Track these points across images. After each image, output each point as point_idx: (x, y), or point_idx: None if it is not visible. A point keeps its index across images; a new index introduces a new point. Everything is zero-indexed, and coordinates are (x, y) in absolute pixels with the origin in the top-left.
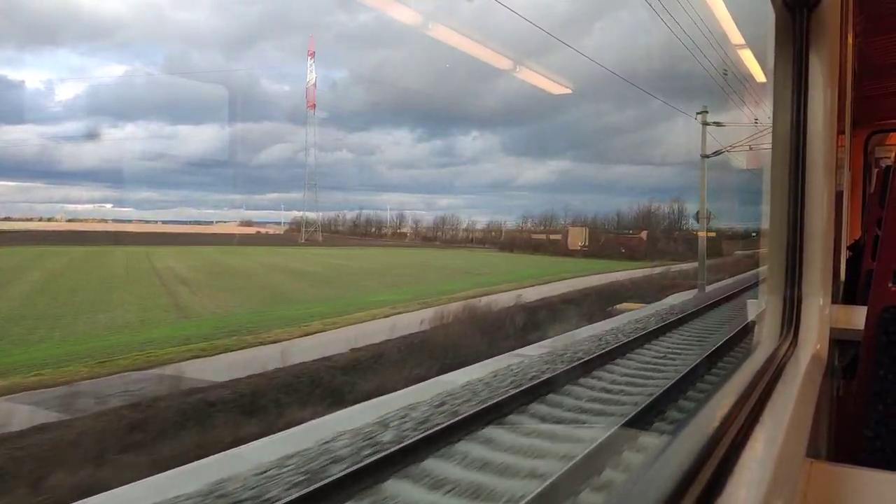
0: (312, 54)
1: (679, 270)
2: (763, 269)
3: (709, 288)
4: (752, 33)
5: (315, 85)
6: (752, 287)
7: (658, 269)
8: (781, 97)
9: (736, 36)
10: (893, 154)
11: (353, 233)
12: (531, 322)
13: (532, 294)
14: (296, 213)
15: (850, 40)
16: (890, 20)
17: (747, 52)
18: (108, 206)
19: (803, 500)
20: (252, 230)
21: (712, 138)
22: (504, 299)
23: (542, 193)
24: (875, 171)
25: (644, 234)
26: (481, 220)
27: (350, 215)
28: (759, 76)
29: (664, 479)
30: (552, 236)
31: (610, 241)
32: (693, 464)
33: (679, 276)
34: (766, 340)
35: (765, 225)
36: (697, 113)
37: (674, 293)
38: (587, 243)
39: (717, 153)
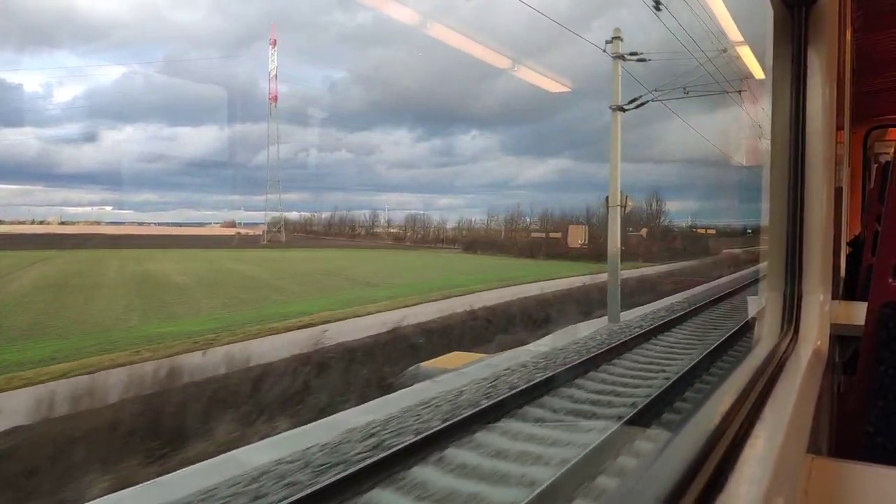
0: (274, 42)
1: (634, 277)
2: (733, 277)
3: (629, 315)
4: (751, 31)
5: (276, 76)
6: (704, 308)
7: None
8: (780, 94)
9: (735, 33)
10: (893, 149)
11: (329, 233)
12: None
13: (381, 322)
14: (275, 214)
15: (848, 36)
16: (888, 16)
17: (746, 49)
18: (109, 208)
19: (804, 496)
20: (233, 231)
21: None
22: (310, 336)
23: (526, 192)
24: (874, 166)
25: (644, 232)
26: (452, 219)
27: (325, 215)
28: (758, 73)
29: (666, 477)
30: (553, 234)
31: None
32: (694, 461)
33: (623, 287)
34: (766, 337)
35: (763, 221)
36: (608, 42)
37: (585, 321)
38: (580, 242)
39: (637, 102)
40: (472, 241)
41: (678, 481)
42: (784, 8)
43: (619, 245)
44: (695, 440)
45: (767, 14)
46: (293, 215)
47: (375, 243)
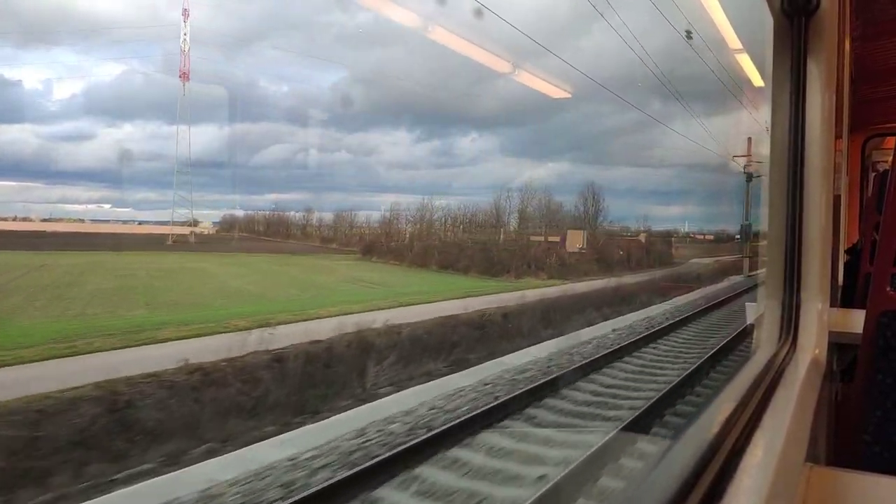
0: (186, 14)
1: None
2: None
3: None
4: (750, 39)
5: (188, 52)
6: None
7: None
8: (779, 102)
9: (734, 41)
10: (890, 158)
11: (267, 233)
12: None
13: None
14: (183, 212)
15: (847, 46)
16: (886, 25)
17: (745, 57)
18: (107, 206)
19: None
20: (187, 230)
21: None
22: None
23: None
24: (872, 175)
25: (643, 237)
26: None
27: (265, 214)
28: (757, 80)
29: (664, 486)
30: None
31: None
32: (693, 470)
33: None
34: (764, 345)
35: (763, 226)
36: None
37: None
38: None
39: None
40: (370, 246)
41: (677, 490)
42: (783, 17)
43: None
44: (694, 449)
45: (767, 23)
46: (191, 214)
47: (301, 247)
